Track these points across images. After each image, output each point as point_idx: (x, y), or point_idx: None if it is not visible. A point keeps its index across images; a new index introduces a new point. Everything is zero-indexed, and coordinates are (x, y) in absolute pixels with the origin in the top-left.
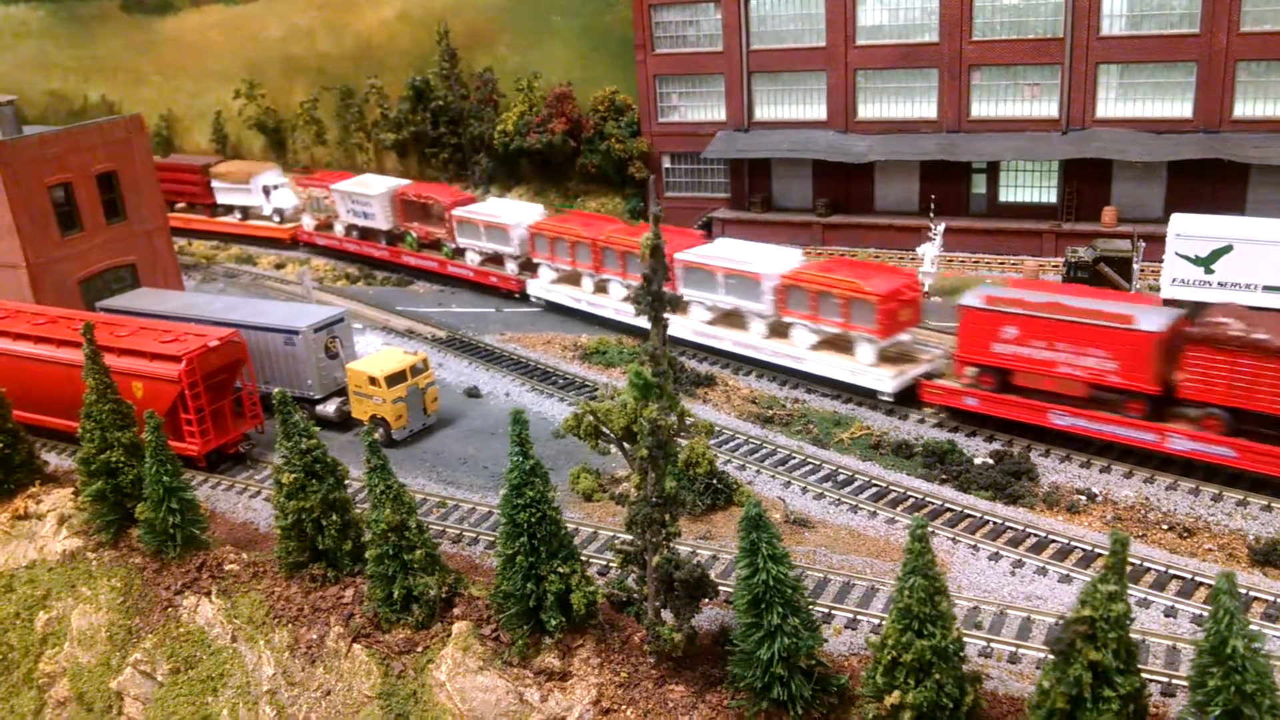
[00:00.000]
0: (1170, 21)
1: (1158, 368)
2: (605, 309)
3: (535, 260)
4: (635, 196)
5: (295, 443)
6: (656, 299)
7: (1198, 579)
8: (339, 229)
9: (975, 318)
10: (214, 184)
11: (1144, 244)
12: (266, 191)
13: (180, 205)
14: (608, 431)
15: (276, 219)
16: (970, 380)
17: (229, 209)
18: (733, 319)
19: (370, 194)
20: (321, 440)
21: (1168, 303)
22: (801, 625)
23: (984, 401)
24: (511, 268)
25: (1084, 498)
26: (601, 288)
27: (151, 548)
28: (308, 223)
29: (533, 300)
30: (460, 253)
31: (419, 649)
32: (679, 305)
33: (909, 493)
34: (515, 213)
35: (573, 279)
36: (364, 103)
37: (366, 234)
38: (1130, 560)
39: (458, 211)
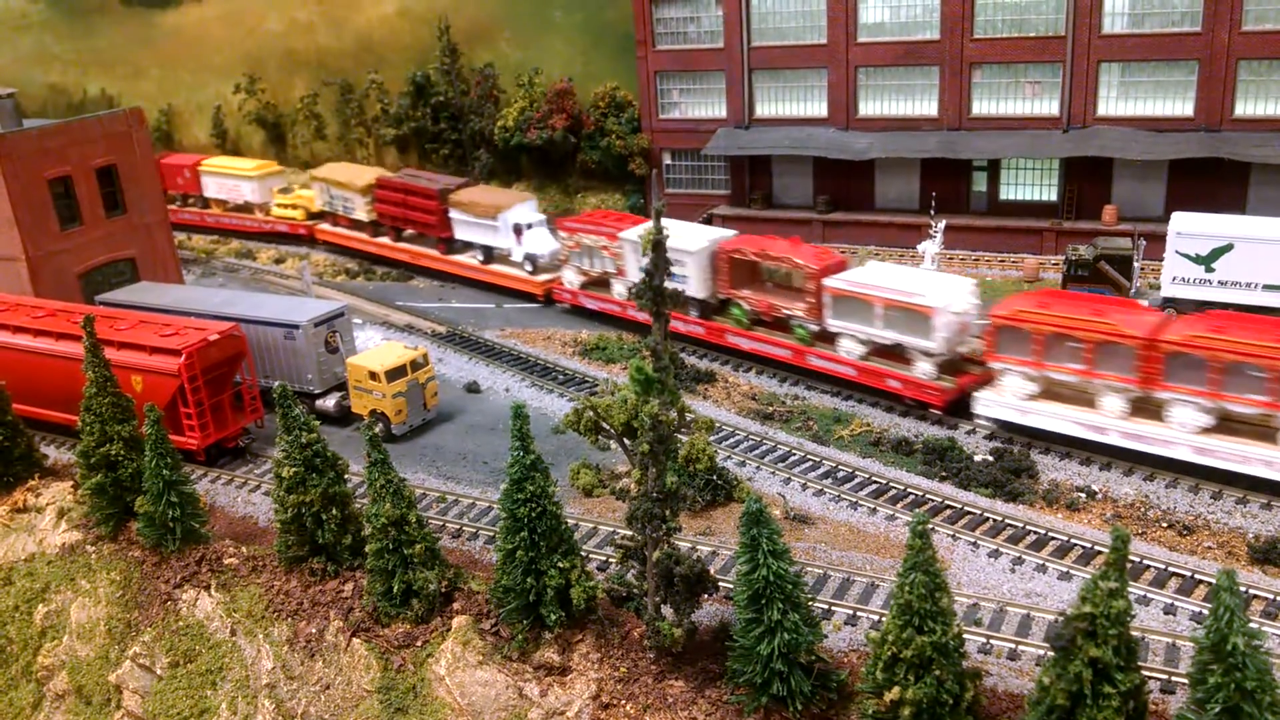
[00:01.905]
0: (1172, 20)
1: None
2: (1172, 446)
3: (997, 364)
4: (635, 193)
5: (295, 436)
6: (658, 294)
7: (1197, 577)
8: (619, 290)
9: None
10: (452, 214)
11: (1144, 242)
12: (518, 231)
13: (408, 233)
14: (608, 427)
15: (528, 267)
16: None
17: (467, 246)
18: None
19: (684, 249)
20: (321, 434)
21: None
22: (801, 621)
23: None
24: (926, 369)
25: (1083, 495)
26: (1148, 410)
27: (151, 541)
28: (570, 278)
29: (982, 422)
30: (827, 337)
31: (418, 643)
32: (679, 299)
33: (909, 489)
34: (940, 290)
35: (1066, 393)
36: (364, 98)
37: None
38: (1130, 558)
39: (835, 282)
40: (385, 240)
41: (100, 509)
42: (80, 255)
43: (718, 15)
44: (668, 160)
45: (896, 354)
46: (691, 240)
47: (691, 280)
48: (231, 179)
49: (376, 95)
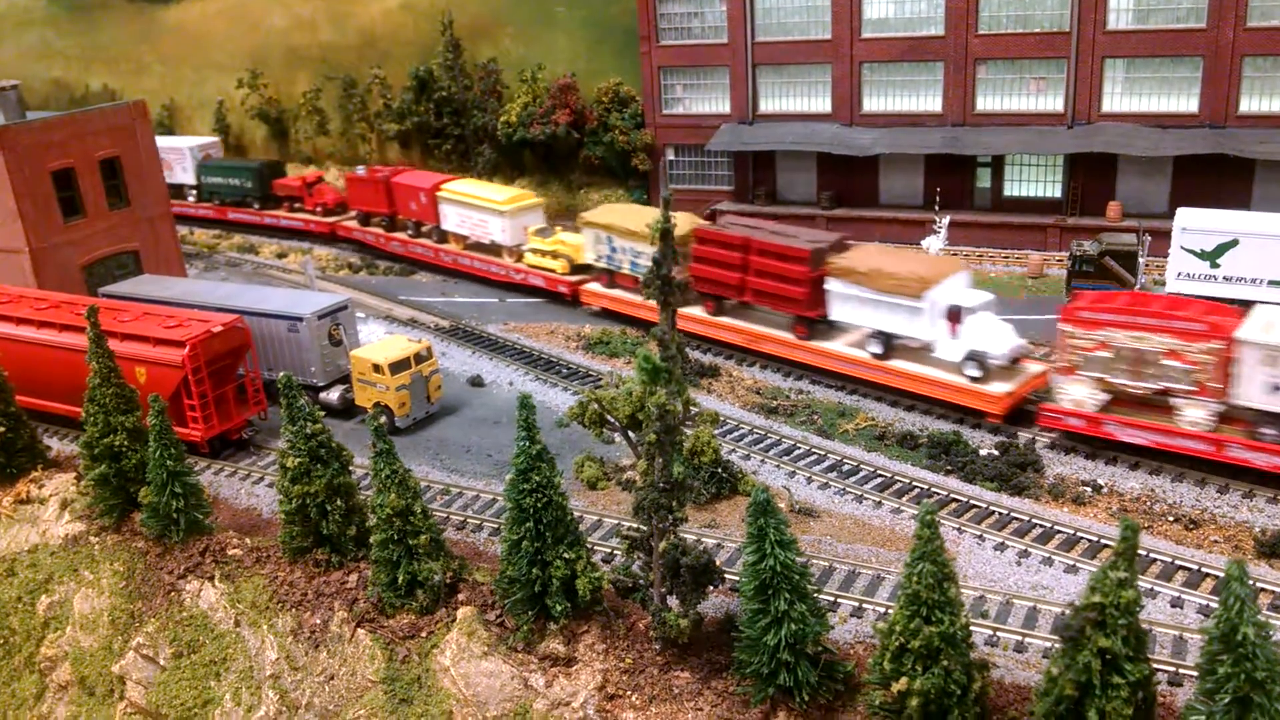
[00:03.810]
0: (1177, 16)
1: None
2: None
3: None
4: (639, 189)
5: (300, 427)
6: (665, 283)
7: (1204, 570)
8: (1195, 416)
9: None
10: (832, 285)
11: (1149, 238)
12: (954, 318)
13: (732, 302)
14: (613, 420)
15: (971, 371)
16: None
17: (834, 327)
18: None
19: None
20: (326, 426)
21: None
22: (808, 611)
23: None
24: None
25: (1089, 489)
26: None
27: (154, 532)
28: (1078, 394)
29: None
30: None
31: (423, 634)
32: (687, 291)
33: (914, 483)
34: None
35: None
36: (367, 93)
37: None
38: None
39: None
40: (697, 312)
41: (104, 500)
42: (83, 248)
43: (722, 10)
44: (671, 156)
45: None
46: None
47: None
48: (477, 211)
49: (379, 90)
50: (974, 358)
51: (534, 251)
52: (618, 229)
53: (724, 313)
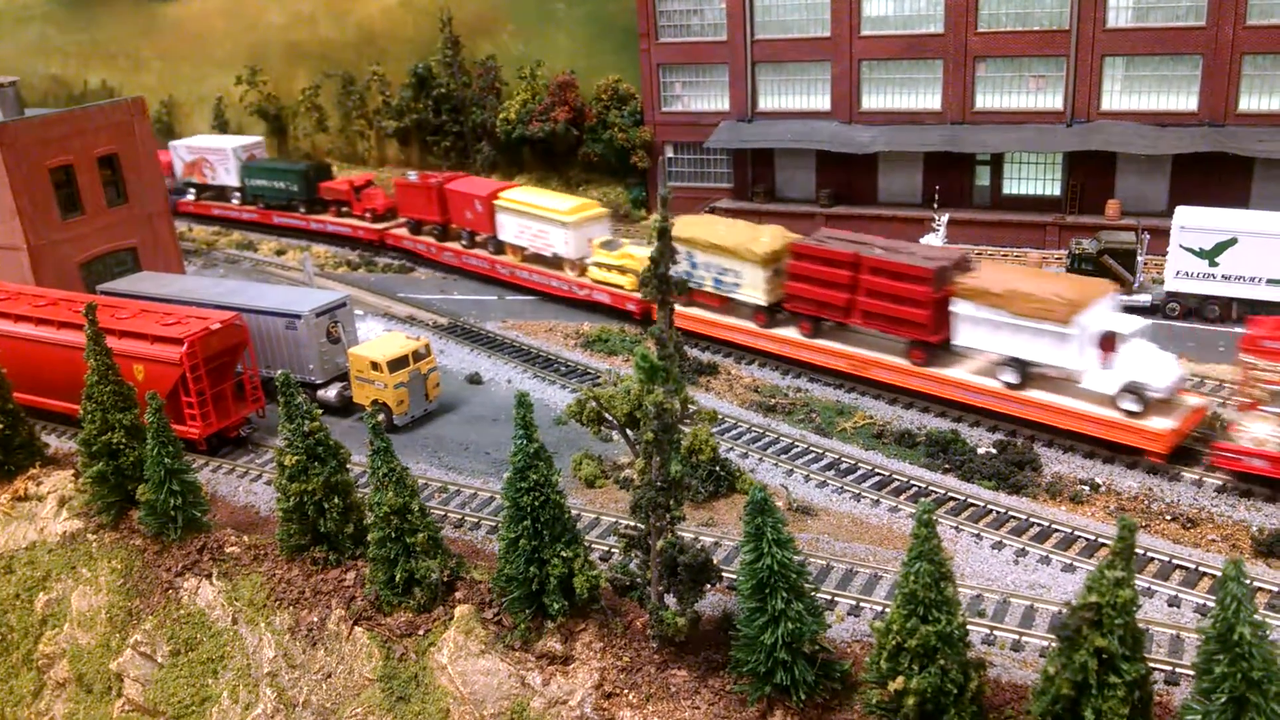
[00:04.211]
0: (1176, 14)
1: None
2: None
3: None
4: (638, 186)
5: (298, 425)
6: (663, 281)
7: (1201, 569)
8: None
9: None
10: (959, 307)
11: (1148, 237)
12: (1107, 345)
13: (830, 323)
14: (610, 418)
15: (1127, 404)
16: None
17: (957, 353)
18: None
19: None
20: (324, 424)
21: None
22: (805, 610)
23: None
24: None
25: (1087, 488)
26: None
27: (152, 530)
28: (1265, 432)
29: None
30: None
31: (420, 632)
32: (685, 288)
33: (912, 481)
34: None
35: None
36: (366, 90)
37: None
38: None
39: None
40: (788, 334)
41: (101, 497)
42: (82, 244)
43: (721, 8)
44: (670, 153)
45: None
46: None
47: None
48: (537, 221)
49: (378, 87)
50: (1132, 390)
51: (599, 265)
52: (701, 243)
53: (821, 334)
